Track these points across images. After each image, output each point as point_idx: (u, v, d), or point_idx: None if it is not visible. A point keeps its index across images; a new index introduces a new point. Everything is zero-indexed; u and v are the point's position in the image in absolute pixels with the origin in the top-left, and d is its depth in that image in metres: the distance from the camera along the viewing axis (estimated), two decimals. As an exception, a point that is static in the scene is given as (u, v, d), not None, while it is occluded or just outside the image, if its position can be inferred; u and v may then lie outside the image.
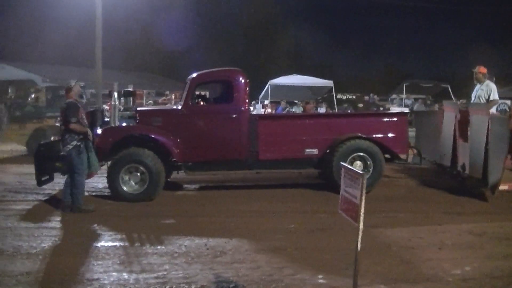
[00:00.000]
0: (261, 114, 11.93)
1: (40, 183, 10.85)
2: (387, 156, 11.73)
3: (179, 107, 11.60)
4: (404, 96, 35.82)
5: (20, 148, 19.14)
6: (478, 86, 12.64)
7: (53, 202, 10.89)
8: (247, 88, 11.56)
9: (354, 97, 44.32)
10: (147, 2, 55.96)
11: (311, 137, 11.56)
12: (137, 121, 11.59)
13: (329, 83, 31.50)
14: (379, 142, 11.51)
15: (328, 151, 11.46)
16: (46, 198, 11.26)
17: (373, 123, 11.91)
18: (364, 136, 11.46)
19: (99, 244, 8.03)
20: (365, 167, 11.31)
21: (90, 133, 10.23)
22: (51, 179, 11.30)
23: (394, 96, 39.82)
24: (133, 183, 10.87)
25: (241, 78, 11.51)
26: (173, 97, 45.09)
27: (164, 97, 42.34)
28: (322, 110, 27.84)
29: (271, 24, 71.56)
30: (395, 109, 28.63)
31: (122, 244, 8.02)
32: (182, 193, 12.11)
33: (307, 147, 11.52)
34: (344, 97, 42.62)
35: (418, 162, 12.65)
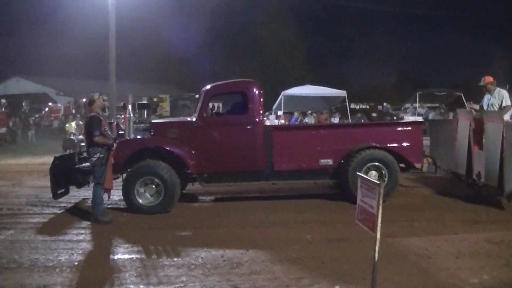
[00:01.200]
0: (276, 125, 11.88)
1: (56, 196, 10.91)
2: (402, 165, 11.67)
3: (194, 119, 11.62)
4: (417, 105, 35.73)
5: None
6: (488, 95, 12.64)
7: (69, 215, 10.94)
8: (262, 99, 11.53)
9: (367, 106, 44.20)
10: (160, 16, 56.27)
11: (326, 147, 11.51)
12: (152, 133, 11.63)
13: (342, 93, 31.47)
14: (394, 152, 11.44)
15: (343, 161, 11.42)
16: (62, 211, 11.31)
17: (388, 133, 11.83)
18: (379, 145, 11.43)
19: (115, 257, 8.06)
20: (380, 177, 11.23)
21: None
22: (66, 192, 11.37)
23: (407, 105, 39.70)
24: (148, 196, 10.88)
25: (255, 89, 11.50)
26: (188, 107, 45.20)
27: (177, 108, 42.37)
28: (335, 120, 27.85)
29: (284, 34, 71.62)
30: (408, 118, 28.51)
31: (138, 256, 8.02)
32: (197, 204, 12.09)
33: (322, 158, 11.47)
34: (357, 107, 42.51)
35: (433, 171, 12.56)
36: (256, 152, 11.33)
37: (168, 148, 11.21)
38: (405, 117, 32.15)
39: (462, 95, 34.21)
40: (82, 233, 9.46)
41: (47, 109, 48.99)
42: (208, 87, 11.87)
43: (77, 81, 57.66)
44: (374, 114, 39.47)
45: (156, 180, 10.78)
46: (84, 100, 43.91)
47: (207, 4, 66.15)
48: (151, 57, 67.56)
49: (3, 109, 37.71)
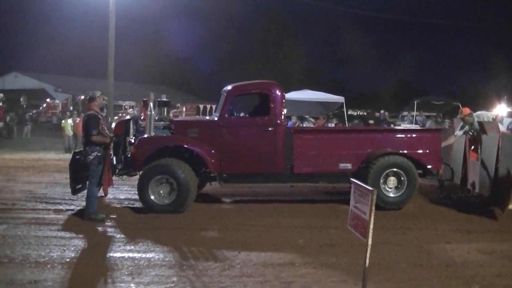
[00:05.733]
0: (296, 128, 11.77)
1: (74, 191, 10.93)
2: (419, 171, 11.64)
3: (215, 119, 11.61)
4: (415, 113, 35.71)
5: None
6: (467, 127, 12.30)
7: (63, 211, 10.92)
8: (283, 101, 11.51)
9: (365, 113, 44.23)
10: (161, 18, 56.29)
11: (346, 151, 11.48)
12: (172, 131, 11.65)
13: (340, 99, 31.38)
14: (413, 158, 11.44)
15: (362, 166, 11.43)
16: (55, 207, 11.28)
17: (408, 139, 11.80)
18: (399, 151, 11.44)
19: (107, 255, 8.05)
20: (399, 183, 11.29)
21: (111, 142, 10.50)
22: (84, 187, 11.21)
23: (405, 113, 39.69)
24: (162, 194, 10.86)
25: (277, 91, 11.47)
26: (184, 109, 45.26)
27: (175, 110, 42.42)
28: (332, 125, 27.81)
29: (284, 39, 71.78)
30: (406, 126, 28.52)
31: (131, 255, 8.02)
32: (194, 205, 12.02)
33: (342, 162, 11.44)
34: (355, 113, 42.54)
35: (450, 178, 12.48)
36: (277, 154, 11.32)
37: (188, 147, 11.19)
38: (402, 125, 32.13)
39: (459, 104, 34.15)
40: (74, 230, 9.43)
41: (44, 105, 48.99)
42: (230, 87, 11.88)
43: (75, 79, 57.69)
44: (371, 121, 39.47)
45: (171, 179, 10.77)
46: (82, 97, 43.94)
47: (207, 7, 66.33)
48: (151, 59, 67.69)
49: (0, 104, 37.62)
